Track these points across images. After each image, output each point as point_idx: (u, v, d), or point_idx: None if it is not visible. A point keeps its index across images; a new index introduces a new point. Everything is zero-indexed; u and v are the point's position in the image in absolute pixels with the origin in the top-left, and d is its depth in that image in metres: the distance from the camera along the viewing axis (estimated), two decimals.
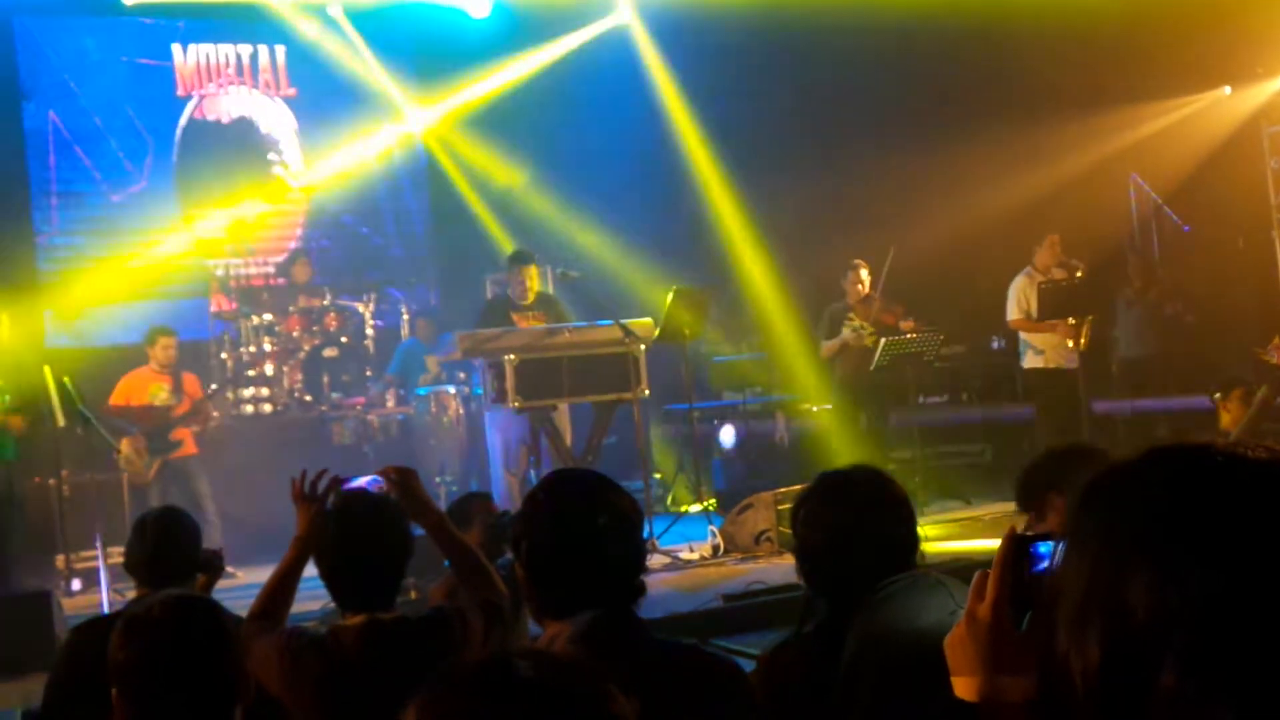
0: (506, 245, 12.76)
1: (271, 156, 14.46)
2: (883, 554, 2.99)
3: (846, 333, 11.01)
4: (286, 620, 3.73)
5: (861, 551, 2.97)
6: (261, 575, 4.67)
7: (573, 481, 2.96)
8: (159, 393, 10.64)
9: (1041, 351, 10.99)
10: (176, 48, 14.03)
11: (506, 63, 14.41)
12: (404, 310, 13.19)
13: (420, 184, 15.04)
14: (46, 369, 9.21)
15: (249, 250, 14.16)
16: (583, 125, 14.13)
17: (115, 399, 10.55)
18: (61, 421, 9.05)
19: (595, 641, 2.54)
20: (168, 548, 4.35)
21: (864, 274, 11.16)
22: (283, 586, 3.74)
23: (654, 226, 13.86)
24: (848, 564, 2.98)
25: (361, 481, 4.02)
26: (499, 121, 14.17)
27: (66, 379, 9.05)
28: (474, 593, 3.62)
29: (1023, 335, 11.12)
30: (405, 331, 12.86)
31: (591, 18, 14.73)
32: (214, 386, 11.65)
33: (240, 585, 8.05)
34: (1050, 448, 3.31)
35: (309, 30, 14.13)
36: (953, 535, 9.25)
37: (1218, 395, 9.31)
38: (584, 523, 2.67)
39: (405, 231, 14.98)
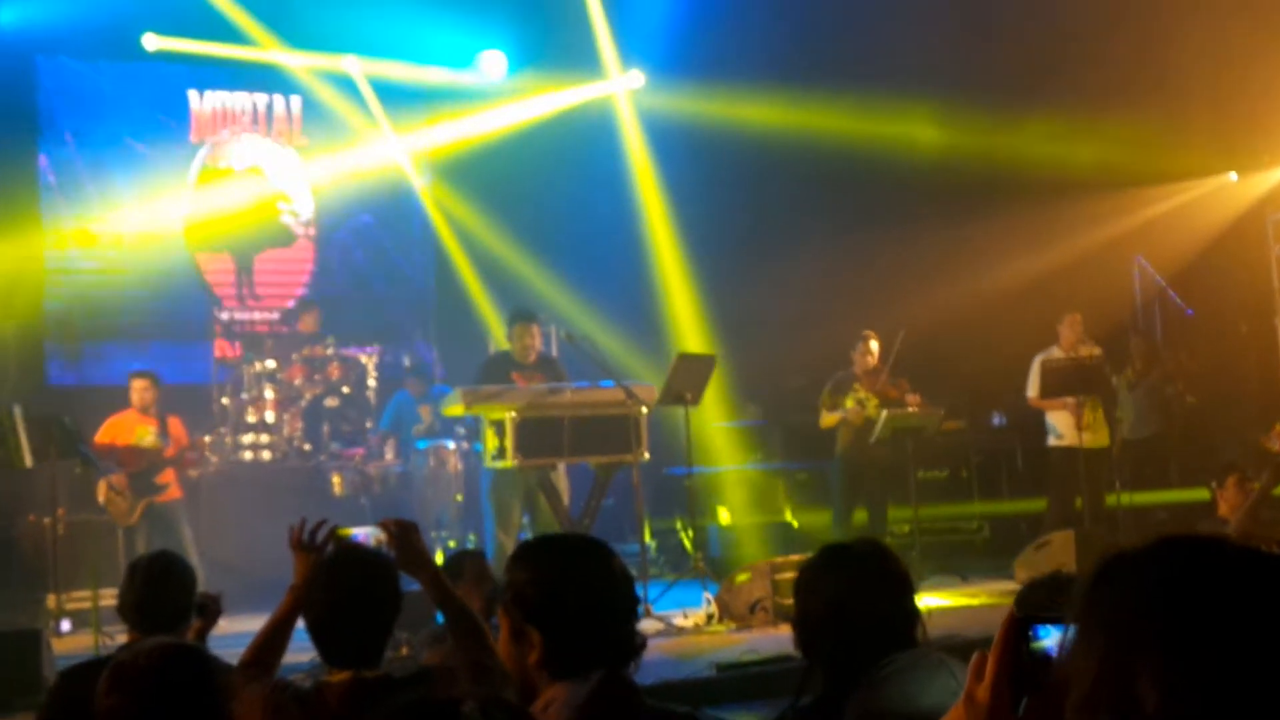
0: (504, 304, 12.81)
1: (281, 205, 14.54)
2: (881, 628, 2.97)
3: (850, 406, 11.01)
4: (278, 669, 3.70)
5: (860, 624, 2.95)
6: (246, 624, 4.65)
7: (574, 541, 2.97)
8: (145, 435, 10.46)
9: (1055, 430, 11.15)
10: (193, 93, 14.15)
11: (501, 111, 14.59)
12: (406, 362, 13.22)
13: (426, 239, 15.11)
14: (18, 409, 9.14)
15: (255, 297, 14.22)
16: (590, 195, 14.29)
17: (100, 438, 10.41)
18: (29, 462, 8.95)
19: (594, 714, 2.53)
20: (159, 593, 4.28)
21: (874, 345, 11.19)
22: (276, 635, 3.71)
23: (652, 293, 14.00)
24: (846, 636, 2.96)
25: (361, 532, 3.99)
26: (501, 185, 14.29)
27: (66, 418, 9.03)
28: (465, 654, 3.58)
29: (1045, 414, 11.27)
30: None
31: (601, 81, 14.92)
32: (221, 431, 11.62)
33: (223, 635, 7.91)
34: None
35: (324, 85, 14.30)
36: (948, 611, 9.19)
37: (1214, 484, 9.32)
38: (599, 580, 2.70)
39: (409, 285, 15.03)
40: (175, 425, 10.61)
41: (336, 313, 14.24)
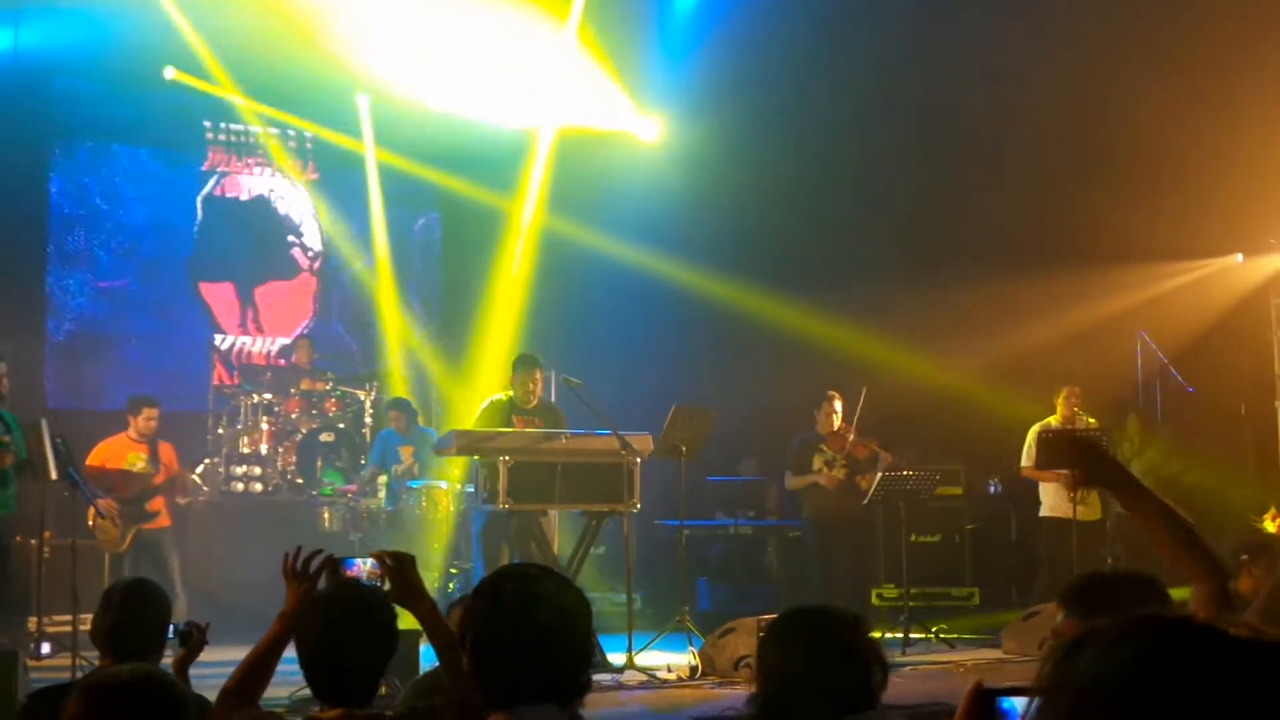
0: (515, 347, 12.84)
1: (290, 238, 14.59)
2: (838, 697, 2.98)
3: (819, 467, 10.95)
4: (260, 699, 3.65)
5: (814, 693, 2.98)
6: (227, 654, 4.60)
7: (517, 575, 2.97)
8: (136, 461, 10.41)
9: (1047, 501, 11.18)
10: (207, 124, 14.22)
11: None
12: (386, 398, 13.19)
13: (432, 278, 15.15)
14: (43, 422, 9.19)
15: (257, 327, 14.24)
16: (597, 239, 14.36)
17: (92, 461, 10.33)
18: (54, 475, 8.99)
19: None
20: (131, 619, 4.25)
21: (838, 405, 11.11)
22: (261, 664, 3.64)
23: (660, 343, 14.02)
24: (801, 702, 2.98)
25: (356, 564, 3.95)
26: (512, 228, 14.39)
27: (60, 439, 9.01)
28: (456, 689, 3.51)
29: (1039, 485, 11.28)
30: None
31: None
32: (214, 460, 11.59)
33: (202, 662, 7.83)
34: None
35: (336, 120, 14.40)
36: (931, 676, 9.13)
37: (1245, 557, 9.22)
38: (526, 617, 2.71)
39: (411, 320, 15.05)
40: (166, 452, 10.54)
41: (336, 347, 14.28)
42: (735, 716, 3.50)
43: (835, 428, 11.08)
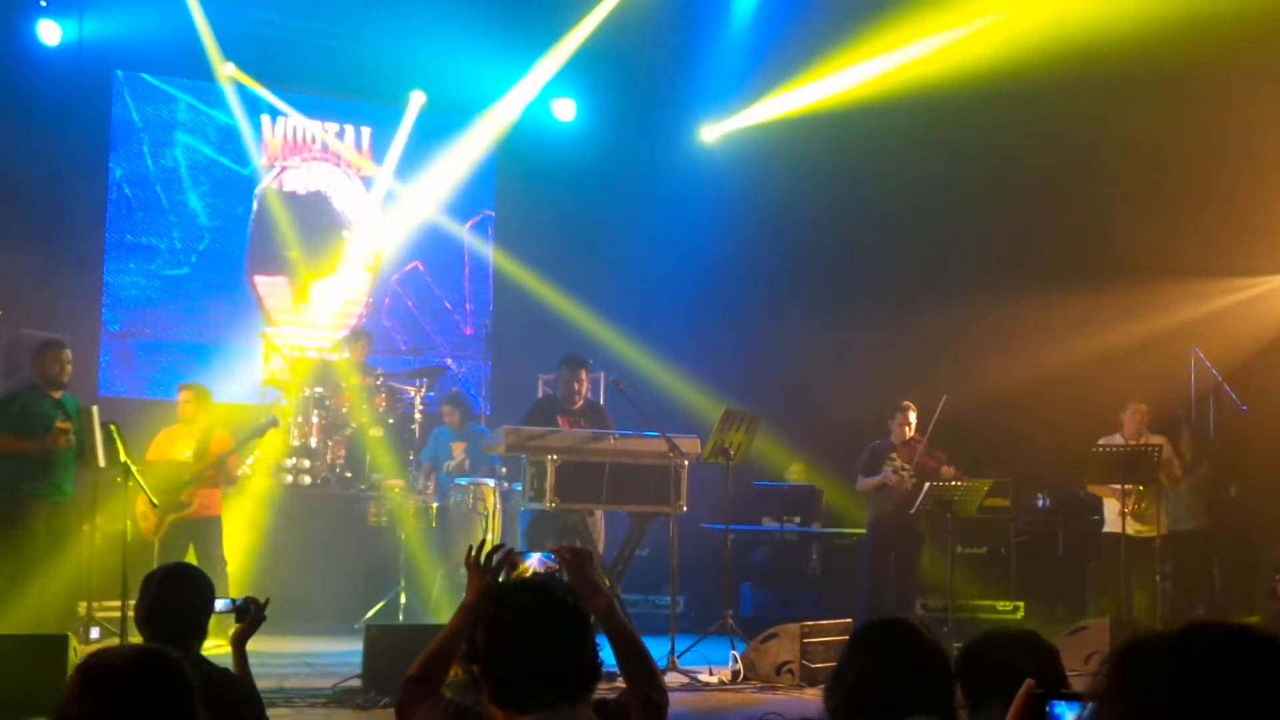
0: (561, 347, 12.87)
1: (345, 233, 14.69)
2: (918, 708, 3.12)
3: (888, 471, 10.97)
4: (443, 685, 3.59)
5: (892, 701, 3.11)
6: (263, 644, 4.62)
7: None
8: (185, 450, 10.49)
9: (1105, 516, 11.25)
10: (265, 118, 14.35)
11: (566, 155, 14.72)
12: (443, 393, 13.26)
13: (483, 279, 15.20)
14: (94, 409, 9.29)
15: (311, 322, 14.34)
16: (654, 238, 14.39)
17: (150, 454, 10.43)
18: (103, 463, 9.08)
19: None
20: (165, 605, 4.23)
21: (911, 416, 11.17)
22: (444, 652, 3.58)
23: (711, 347, 14.04)
24: (878, 711, 3.12)
25: (534, 559, 3.93)
26: (578, 219, 14.42)
27: (114, 426, 9.10)
28: (635, 686, 3.54)
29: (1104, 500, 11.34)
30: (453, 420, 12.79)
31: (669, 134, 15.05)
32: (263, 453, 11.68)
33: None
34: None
35: (394, 117, 14.52)
36: None
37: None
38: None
39: (465, 322, 15.11)
40: (217, 441, 10.61)
41: (387, 343, 14.37)
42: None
43: (907, 438, 11.11)
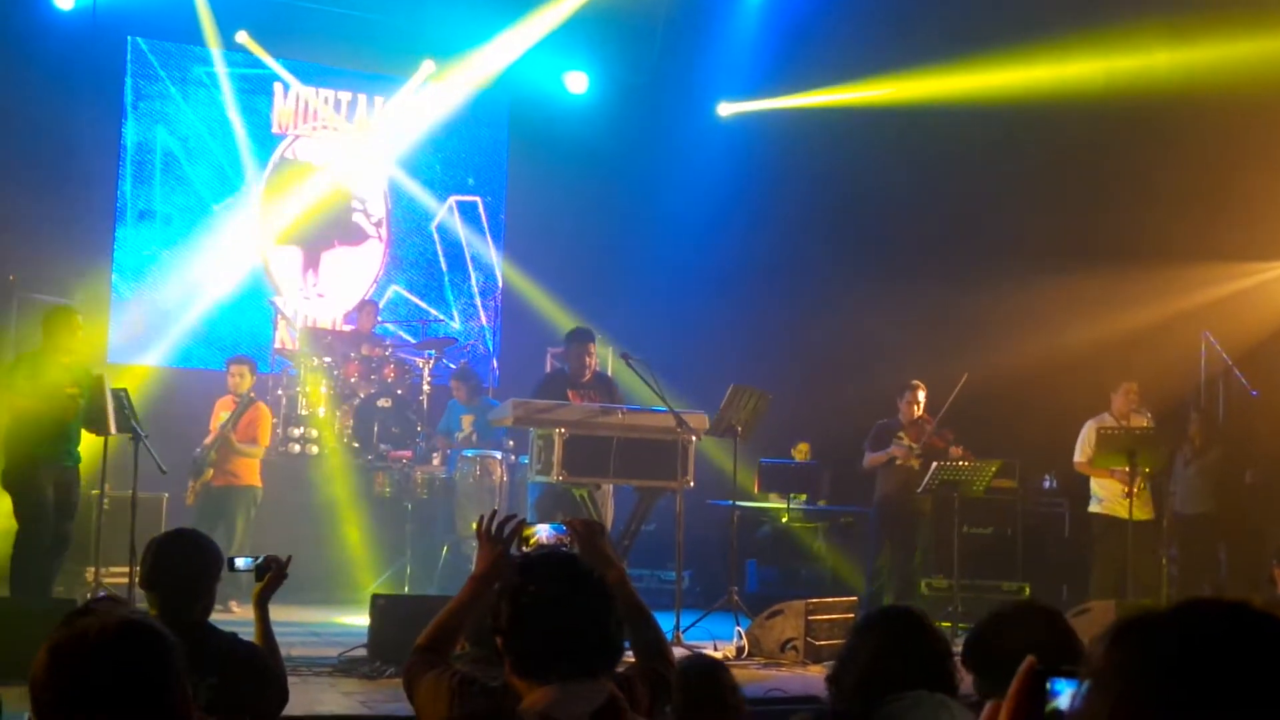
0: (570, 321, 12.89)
1: (355, 204, 14.69)
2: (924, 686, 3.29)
3: (895, 448, 10.98)
4: (451, 655, 3.60)
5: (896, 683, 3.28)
6: (270, 613, 4.65)
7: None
8: (220, 418, 11.04)
9: (1101, 498, 11.12)
10: (277, 86, 14.33)
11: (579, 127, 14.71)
12: (453, 366, 13.28)
13: (493, 251, 15.20)
14: (103, 375, 9.32)
15: (320, 292, 14.35)
16: (667, 212, 14.39)
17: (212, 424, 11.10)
18: (114, 429, 9.12)
19: None
20: (163, 570, 4.19)
21: (920, 395, 11.18)
22: (454, 622, 3.60)
23: (727, 322, 14.05)
24: (876, 693, 3.27)
25: (544, 531, 3.94)
26: (589, 193, 14.41)
27: (123, 393, 9.13)
28: (643, 660, 3.57)
29: (1091, 480, 11.20)
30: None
31: (684, 107, 15.02)
32: (273, 421, 11.78)
33: (236, 620, 7.87)
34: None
35: (406, 86, 14.50)
36: None
37: (1275, 561, 9.16)
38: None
39: (473, 293, 15.12)
40: (250, 413, 11.07)
41: (397, 315, 14.39)
42: (820, 709, 3.70)
43: (915, 417, 11.12)
